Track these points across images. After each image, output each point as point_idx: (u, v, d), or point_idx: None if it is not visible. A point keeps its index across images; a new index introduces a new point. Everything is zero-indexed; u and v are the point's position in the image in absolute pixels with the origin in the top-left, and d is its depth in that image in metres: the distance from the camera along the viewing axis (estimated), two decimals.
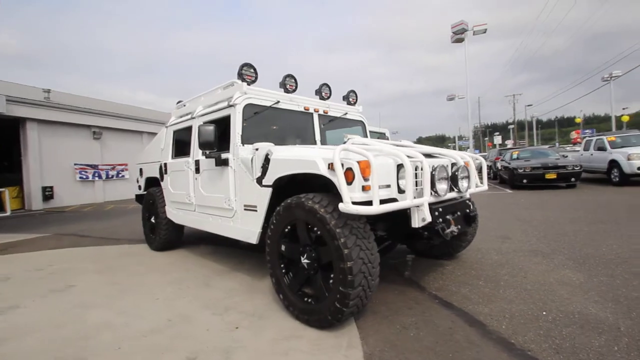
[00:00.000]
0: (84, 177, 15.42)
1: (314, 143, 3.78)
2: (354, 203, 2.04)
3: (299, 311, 2.39)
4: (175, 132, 4.36)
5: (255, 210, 2.89)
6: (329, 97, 4.16)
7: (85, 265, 4.30)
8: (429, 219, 2.36)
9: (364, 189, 2.13)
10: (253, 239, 2.92)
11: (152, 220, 4.94)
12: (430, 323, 2.33)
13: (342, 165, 2.13)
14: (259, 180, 2.84)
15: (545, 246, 4.06)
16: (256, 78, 3.41)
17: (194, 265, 4.02)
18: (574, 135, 40.64)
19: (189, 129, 3.98)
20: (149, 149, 5.18)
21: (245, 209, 3.03)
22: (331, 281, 2.20)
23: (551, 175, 9.73)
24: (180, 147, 4.31)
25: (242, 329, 2.39)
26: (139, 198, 5.66)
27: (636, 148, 9.24)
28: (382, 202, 2.14)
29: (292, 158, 2.52)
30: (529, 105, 41.58)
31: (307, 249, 2.37)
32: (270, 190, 2.73)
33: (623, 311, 2.36)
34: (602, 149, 10.42)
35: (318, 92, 4.12)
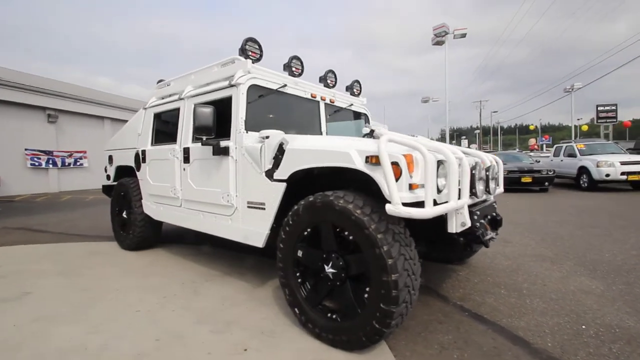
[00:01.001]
0: (37, 164, 13.89)
1: (320, 134, 3.41)
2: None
3: (320, 329, 2.03)
4: (156, 115, 3.79)
5: (263, 209, 2.48)
6: (334, 86, 3.80)
7: (43, 266, 3.63)
8: (468, 223, 2.09)
9: (411, 187, 1.81)
10: (259, 241, 2.51)
11: (124, 215, 4.32)
12: (470, 341, 2.06)
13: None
14: (269, 174, 2.43)
15: (548, 250, 3.99)
16: (261, 56, 2.97)
17: (176, 268, 3.51)
18: (532, 141, 43.32)
19: (176, 111, 3.45)
20: (122, 133, 4.52)
21: (249, 207, 2.60)
22: (366, 295, 1.85)
23: (527, 179, 10.03)
24: (163, 132, 3.75)
25: (252, 351, 1.99)
26: (107, 189, 4.97)
27: (604, 156, 9.75)
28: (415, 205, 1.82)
29: (317, 149, 2.14)
30: (494, 112, 43.63)
31: (333, 256, 2.01)
32: (283, 185, 2.34)
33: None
34: (572, 155, 10.92)
35: (323, 79, 3.75)
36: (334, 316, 2.03)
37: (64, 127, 15.77)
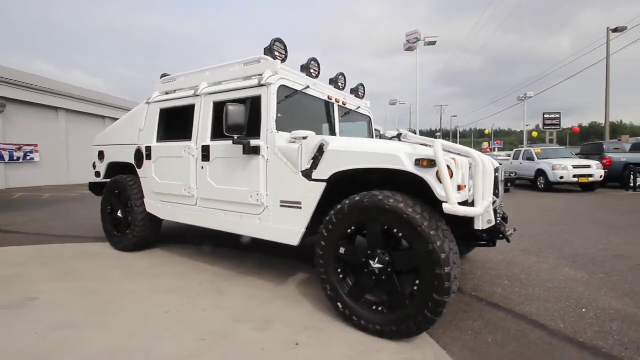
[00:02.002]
0: None
1: (334, 135, 3.52)
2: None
3: (366, 321, 2.15)
4: (164, 111, 3.65)
5: (299, 208, 2.53)
6: (344, 88, 3.92)
7: (35, 270, 3.36)
8: (494, 221, 2.31)
9: (460, 188, 1.98)
10: (294, 240, 2.56)
11: (119, 214, 4.10)
12: (498, 326, 2.29)
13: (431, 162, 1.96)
14: (307, 174, 2.49)
15: (531, 246, 4.42)
16: (286, 57, 3.01)
17: (186, 269, 3.43)
18: (485, 145, 46.63)
19: (189, 108, 3.36)
20: (117, 128, 4.28)
21: (282, 206, 2.63)
22: (416, 288, 2.00)
23: None
24: (172, 128, 3.63)
25: (303, 345, 2.05)
26: (95, 187, 4.67)
27: (559, 160, 10.84)
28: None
29: (363, 151, 2.24)
30: (454, 116, 46.24)
31: (379, 252, 2.13)
32: (323, 185, 2.41)
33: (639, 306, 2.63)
34: (530, 159, 12.00)
35: (334, 81, 3.85)
36: (379, 308, 2.15)
37: (12, 117, 14.30)
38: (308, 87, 3.12)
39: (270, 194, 2.70)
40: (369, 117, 4.37)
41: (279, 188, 2.65)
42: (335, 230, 2.27)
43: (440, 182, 1.95)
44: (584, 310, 2.56)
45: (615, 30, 17.47)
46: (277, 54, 2.90)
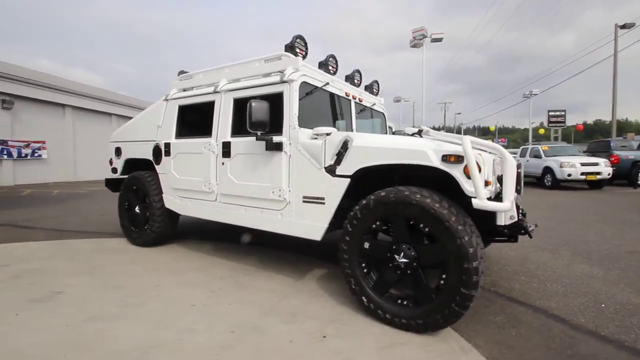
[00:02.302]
0: None
1: (351, 131, 3.54)
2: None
3: (392, 315, 2.19)
4: (182, 108, 3.69)
5: (322, 203, 2.57)
6: (359, 85, 3.94)
7: (58, 264, 3.43)
8: (516, 217, 2.34)
9: (486, 184, 2.01)
10: (316, 235, 2.60)
11: (137, 210, 4.15)
12: (519, 320, 2.33)
13: (459, 157, 1.99)
14: (331, 170, 2.53)
15: (543, 242, 4.44)
16: (306, 54, 3.03)
17: (205, 264, 3.48)
18: None
19: (209, 104, 3.40)
20: (134, 124, 4.33)
21: (305, 201, 2.67)
22: (442, 282, 2.04)
23: None
24: (191, 125, 3.67)
25: (331, 337, 2.10)
26: (112, 183, 4.72)
27: (566, 157, 10.83)
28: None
29: (389, 147, 2.27)
30: (458, 113, 46.06)
31: (405, 247, 2.17)
32: (347, 181, 2.45)
33: None
34: (537, 156, 11.98)
35: (350, 77, 3.87)
36: (404, 302, 2.19)
37: (20, 114, 14.40)
38: (327, 83, 3.14)
39: (293, 190, 2.74)
40: (383, 113, 4.39)
41: (301, 184, 2.69)
42: (360, 225, 2.31)
43: (468, 178, 1.98)
44: (603, 305, 2.59)
45: (624, 27, 17.33)
46: (298, 50, 2.93)
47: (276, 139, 2.75)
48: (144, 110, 4.26)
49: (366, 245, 2.32)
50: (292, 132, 2.73)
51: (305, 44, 3.02)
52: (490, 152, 2.34)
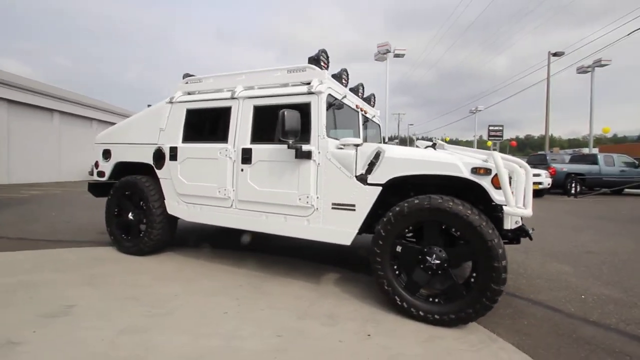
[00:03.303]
0: None
1: None
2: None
3: (425, 312, 2.40)
4: (191, 112, 3.60)
5: (353, 210, 2.72)
6: (363, 97, 4.18)
7: (49, 276, 3.14)
8: (520, 221, 2.71)
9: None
10: (346, 240, 2.74)
11: (130, 216, 3.93)
12: (525, 312, 2.67)
13: (487, 170, 2.28)
14: (362, 178, 2.69)
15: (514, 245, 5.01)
16: (328, 66, 3.19)
17: (212, 271, 3.42)
18: None
19: (224, 110, 3.38)
20: (129, 126, 4.10)
21: (334, 208, 2.80)
22: (472, 279, 2.30)
23: None
24: (202, 129, 3.60)
25: (375, 336, 2.24)
26: (96, 187, 4.39)
27: None
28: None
29: (422, 159, 2.50)
30: (411, 124, 48.91)
31: (436, 249, 2.40)
32: (379, 189, 2.63)
33: (622, 291, 3.19)
34: None
35: (354, 90, 4.08)
36: (436, 300, 2.42)
37: None
38: (345, 96, 3.32)
39: (321, 197, 2.85)
40: (379, 125, 4.67)
41: (330, 191, 2.81)
42: (393, 230, 2.50)
43: (496, 188, 2.27)
44: (583, 296, 3.05)
45: (555, 55, 19.96)
46: (322, 63, 3.07)
47: (305, 147, 2.85)
48: (142, 112, 4.06)
49: (398, 248, 2.51)
50: (322, 141, 2.85)
51: (328, 57, 3.17)
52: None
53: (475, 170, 2.33)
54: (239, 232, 4.78)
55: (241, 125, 3.24)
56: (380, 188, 2.63)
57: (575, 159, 13.40)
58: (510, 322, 2.51)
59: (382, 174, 2.61)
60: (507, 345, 2.17)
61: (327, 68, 3.15)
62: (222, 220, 3.36)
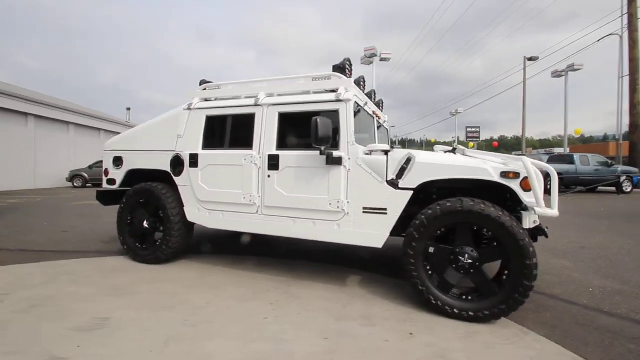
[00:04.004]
0: None
1: None
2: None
3: (459, 309, 2.52)
4: (210, 118, 3.60)
5: (385, 213, 2.82)
6: (375, 103, 4.30)
7: (68, 288, 3.05)
8: (538, 221, 2.90)
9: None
10: (378, 243, 2.83)
11: (145, 225, 3.86)
12: (547, 306, 2.86)
13: (516, 174, 2.45)
14: (393, 183, 2.80)
15: None
16: (351, 75, 3.29)
17: (234, 278, 3.42)
18: None
19: (247, 116, 3.40)
20: (142, 132, 4.03)
21: (365, 212, 2.89)
22: (505, 277, 2.45)
23: None
24: (223, 136, 3.60)
25: (418, 334, 2.34)
26: (105, 195, 4.28)
27: None
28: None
29: (454, 164, 2.64)
30: (392, 127, 49.87)
31: (469, 249, 2.54)
32: (410, 193, 2.75)
33: (622, 283, 3.46)
34: None
35: (368, 96, 4.20)
36: (469, 297, 2.55)
37: None
38: (367, 103, 3.43)
39: (352, 202, 2.93)
40: (387, 129, 4.81)
41: (361, 196, 2.90)
42: (426, 232, 2.62)
43: (524, 190, 2.44)
44: (590, 289, 3.29)
45: (530, 59, 21.00)
46: (347, 72, 3.16)
47: (336, 153, 2.93)
48: (157, 119, 4.01)
49: (431, 249, 2.63)
50: (351, 148, 2.94)
51: (351, 65, 3.27)
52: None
53: (505, 175, 2.49)
54: (257, 238, 4.80)
55: (266, 132, 3.28)
56: (411, 192, 2.74)
57: (553, 159, 14.15)
58: (534, 315, 2.67)
59: (413, 179, 2.73)
60: (539, 337, 2.32)
61: (351, 76, 3.24)
62: (247, 226, 3.37)
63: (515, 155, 3.30)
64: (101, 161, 18.76)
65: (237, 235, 4.94)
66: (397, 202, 2.78)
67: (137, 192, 3.88)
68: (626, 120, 16.62)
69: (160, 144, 3.82)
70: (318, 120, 2.73)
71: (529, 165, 2.40)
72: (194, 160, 3.58)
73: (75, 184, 18.19)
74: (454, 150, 3.40)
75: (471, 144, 33.10)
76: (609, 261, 4.24)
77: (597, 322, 2.57)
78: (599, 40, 16.17)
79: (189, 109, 3.70)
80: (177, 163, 3.70)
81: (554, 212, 2.41)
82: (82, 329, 2.33)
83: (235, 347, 2.14)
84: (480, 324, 2.50)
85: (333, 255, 4.35)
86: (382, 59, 17.79)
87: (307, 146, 3.00)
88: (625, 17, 14.00)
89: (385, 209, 2.82)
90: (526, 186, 2.46)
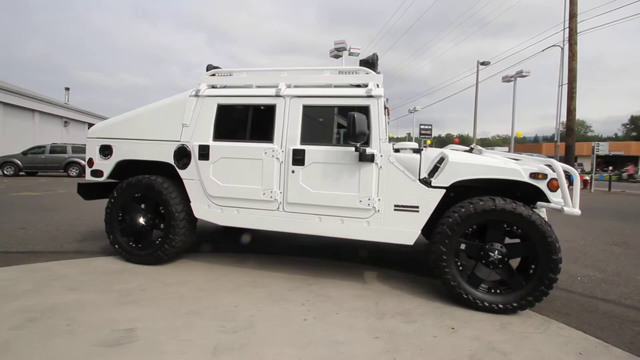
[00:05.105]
0: None
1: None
2: None
3: (489, 302, 2.66)
4: (223, 107, 3.33)
5: (416, 211, 2.85)
6: None
7: (70, 296, 2.68)
8: (546, 218, 3.15)
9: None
10: (409, 240, 2.87)
11: (141, 222, 3.50)
12: (554, 296, 3.08)
13: (543, 175, 2.63)
14: (426, 181, 2.84)
15: None
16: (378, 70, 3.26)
17: (246, 278, 3.25)
18: None
19: (266, 107, 3.22)
20: (137, 119, 3.60)
21: (396, 210, 2.90)
22: (532, 271, 2.63)
23: None
24: (239, 127, 3.37)
25: (459, 329, 2.43)
26: (87, 189, 3.78)
27: None
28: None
29: (486, 164, 2.74)
30: None
31: (499, 245, 2.69)
32: (442, 191, 2.81)
33: (600, 271, 3.92)
34: None
35: None
36: (497, 291, 2.70)
37: None
38: (388, 99, 3.42)
39: (383, 199, 2.93)
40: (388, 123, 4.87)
41: (393, 193, 2.91)
42: (459, 230, 2.71)
43: (551, 190, 2.62)
44: (579, 278, 3.67)
45: (483, 64, 22.61)
46: (376, 67, 3.12)
47: (369, 150, 2.89)
48: (156, 104, 3.61)
49: (462, 246, 2.74)
50: (383, 145, 2.92)
51: (378, 60, 3.23)
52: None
53: (534, 175, 2.66)
54: (255, 235, 4.59)
55: (290, 125, 3.12)
56: (444, 190, 2.81)
57: None
58: (549, 305, 2.91)
59: (447, 178, 2.79)
60: (561, 325, 2.54)
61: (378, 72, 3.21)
62: (266, 223, 3.21)
63: (497, 152, 3.50)
64: (38, 147, 16.66)
65: (231, 232, 4.71)
66: (430, 200, 2.83)
67: (132, 185, 3.49)
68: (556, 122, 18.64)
69: (161, 133, 3.46)
70: (355, 115, 2.67)
71: (558, 168, 2.59)
72: (204, 152, 3.30)
73: (5, 172, 15.91)
74: (470, 150, 3.54)
75: (429, 141, 34.88)
76: (581, 252, 4.76)
77: (600, 309, 2.88)
78: (543, 50, 17.93)
79: (196, 95, 3.39)
80: (182, 154, 3.38)
81: (577, 211, 2.63)
82: (108, 343, 2.05)
83: (292, 353, 2.04)
84: (508, 315, 2.66)
85: (335, 251, 4.33)
86: (350, 54, 17.97)
87: (334, 141, 2.92)
88: (567, 31, 15.63)
89: (417, 207, 2.86)
90: (552, 186, 2.65)
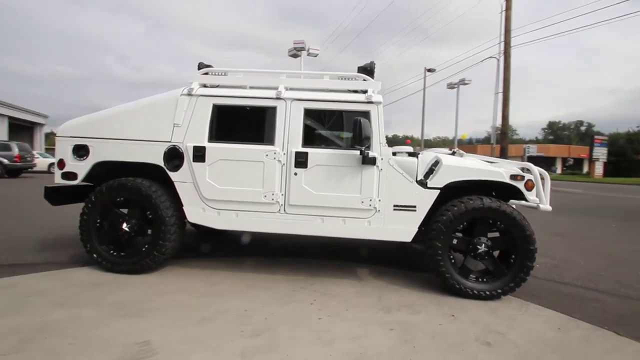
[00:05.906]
0: None
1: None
2: None
3: (478, 290, 2.98)
4: (219, 108, 3.23)
5: (414, 210, 3.07)
6: None
7: (61, 313, 2.43)
8: None
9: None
10: (407, 237, 3.08)
11: (125, 227, 3.26)
12: (533, 284, 3.51)
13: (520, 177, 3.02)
14: (422, 183, 3.07)
15: None
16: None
17: (246, 282, 3.22)
18: None
19: (266, 109, 3.20)
20: (118, 116, 3.32)
21: (395, 209, 3.09)
22: (512, 260, 3.00)
23: None
24: (236, 129, 3.29)
25: (459, 315, 2.69)
26: (56, 193, 3.40)
27: None
28: None
29: (475, 168, 3.06)
30: None
31: (484, 239, 3.02)
32: (437, 192, 3.06)
33: (552, 258, 4.53)
34: None
35: None
36: (484, 279, 3.03)
37: None
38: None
39: (383, 200, 3.10)
40: None
41: (392, 194, 3.09)
42: (452, 226, 2.99)
43: (527, 190, 3.01)
44: (537, 265, 4.16)
45: (429, 70, 24.31)
46: (373, 74, 3.28)
47: (371, 154, 3.04)
48: (141, 101, 3.36)
49: (454, 241, 3.02)
50: (383, 148, 3.09)
51: (374, 67, 3.40)
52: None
53: (514, 177, 3.02)
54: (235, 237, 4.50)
55: (292, 128, 3.15)
56: (438, 191, 3.07)
57: None
58: (522, 290, 3.32)
59: (441, 179, 3.05)
60: (537, 306, 2.93)
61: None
62: (267, 226, 3.19)
63: (475, 156, 3.93)
64: None
65: (209, 236, 4.59)
66: (426, 199, 3.07)
67: (114, 189, 3.23)
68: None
69: (149, 133, 3.25)
70: (361, 120, 2.80)
71: (535, 170, 2.99)
72: (199, 153, 3.18)
73: None
74: (453, 154, 3.87)
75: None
76: None
77: (561, 290, 3.38)
78: (482, 61, 19.86)
79: (189, 94, 3.25)
80: (173, 156, 3.22)
81: (549, 207, 3.06)
82: (127, 359, 1.93)
83: (320, 351, 2.11)
84: (494, 300, 3.00)
85: (330, 250, 4.44)
86: (309, 54, 18.10)
87: (336, 144, 3.03)
88: (502, 44, 17.48)
89: (415, 206, 3.09)
90: (528, 187, 3.04)
